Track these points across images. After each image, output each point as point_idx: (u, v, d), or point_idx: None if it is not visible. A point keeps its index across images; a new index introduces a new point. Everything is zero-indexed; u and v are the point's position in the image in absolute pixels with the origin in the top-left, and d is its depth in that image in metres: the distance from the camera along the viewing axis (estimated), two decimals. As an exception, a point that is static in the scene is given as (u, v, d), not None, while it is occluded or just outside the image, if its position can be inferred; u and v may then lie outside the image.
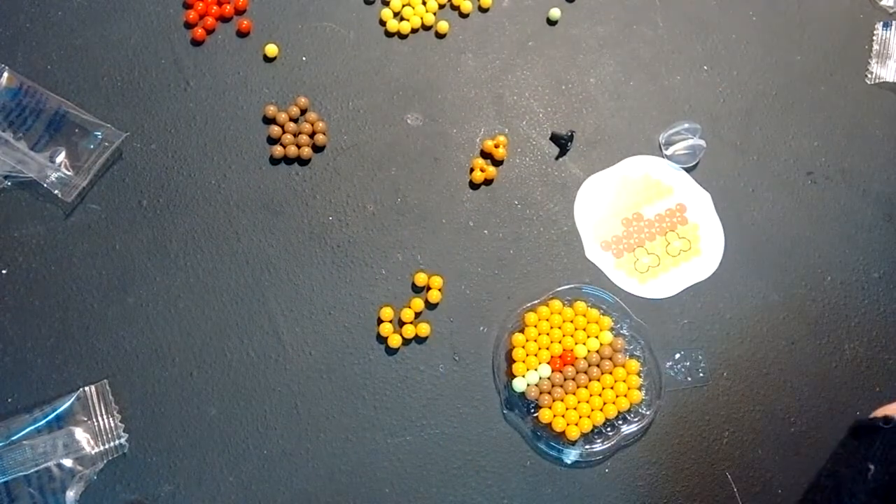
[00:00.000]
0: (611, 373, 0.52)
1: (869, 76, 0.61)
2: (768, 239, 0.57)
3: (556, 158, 0.58)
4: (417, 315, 0.53)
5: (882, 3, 0.63)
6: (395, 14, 0.60)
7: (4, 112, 0.53)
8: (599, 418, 0.51)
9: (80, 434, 0.48)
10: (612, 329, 0.53)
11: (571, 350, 0.52)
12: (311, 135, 0.56)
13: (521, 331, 0.53)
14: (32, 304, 0.51)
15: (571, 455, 0.50)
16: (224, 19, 0.59)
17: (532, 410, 0.51)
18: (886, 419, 0.50)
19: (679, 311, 0.55)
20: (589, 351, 0.52)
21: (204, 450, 0.49)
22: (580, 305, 0.53)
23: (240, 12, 0.59)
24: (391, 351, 0.52)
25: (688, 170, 0.58)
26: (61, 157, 0.53)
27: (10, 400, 0.49)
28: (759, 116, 0.60)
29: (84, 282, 0.52)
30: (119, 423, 0.49)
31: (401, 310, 0.53)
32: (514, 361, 0.52)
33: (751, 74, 0.61)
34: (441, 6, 0.61)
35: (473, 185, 0.56)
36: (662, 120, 0.59)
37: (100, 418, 0.49)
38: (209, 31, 0.58)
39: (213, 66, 0.58)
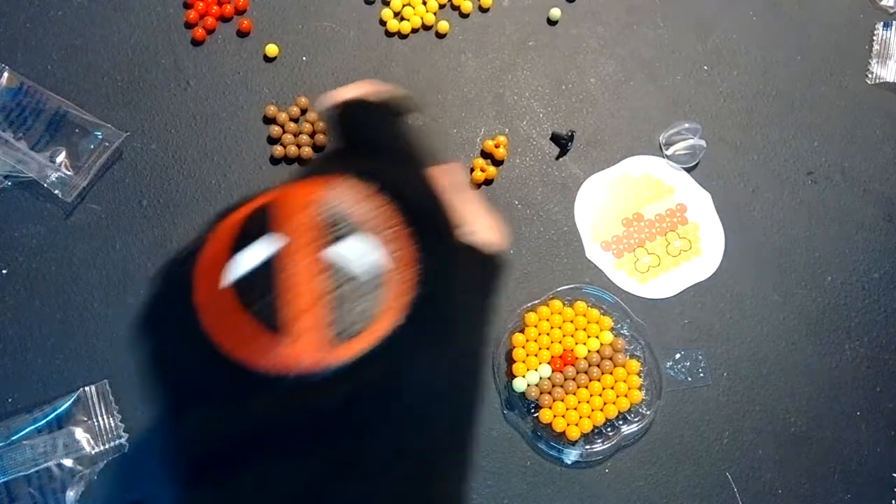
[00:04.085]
0: (611, 373, 0.52)
1: (869, 76, 0.61)
2: (768, 239, 0.57)
3: (557, 158, 0.57)
4: (417, 315, 0.53)
5: (882, 3, 0.63)
6: (396, 14, 0.60)
7: (4, 112, 0.53)
8: (600, 418, 0.51)
9: (80, 434, 0.48)
10: (612, 329, 0.53)
11: (572, 350, 0.52)
12: (311, 135, 0.56)
13: (522, 331, 0.53)
14: (32, 304, 0.51)
15: (571, 455, 0.50)
16: (224, 19, 0.59)
17: (532, 410, 0.51)
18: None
19: (679, 311, 0.55)
20: (589, 351, 0.52)
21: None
22: (580, 305, 0.53)
23: (240, 12, 0.59)
24: (391, 351, 0.52)
25: (688, 170, 0.58)
26: (61, 157, 0.53)
27: (10, 400, 0.49)
28: (759, 116, 0.60)
29: (84, 282, 0.52)
30: (119, 423, 0.49)
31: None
32: (515, 361, 0.52)
33: (751, 74, 0.61)
34: (441, 6, 0.61)
35: (474, 185, 0.56)
36: (662, 120, 0.59)
37: (100, 418, 0.49)
38: (209, 31, 0.58)
39: (213, 66, 0.58)
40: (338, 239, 0.28)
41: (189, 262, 0.29)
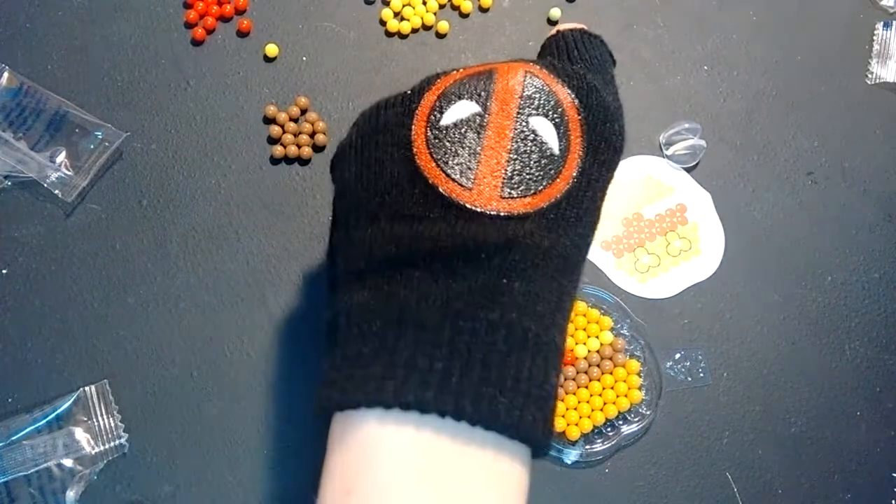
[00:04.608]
0: (611, 373, 0.52)
1: (869, 76, 0.61)
2: (768, 239, 0.57)
3: (557, 158, 0.57)
4: (417, 315, 0.53)
5: (882, 3, 0.63)
6: (396, 14, 0.60)
7: (4, 112, 0.53)
8: (600, 418, 0.51)
9: (80, 434, 0.48)
10: (612, 329, 0.53)
11: (571, 350, 0.52)
12: (312, 135, 0.56)
13: (522, 331, 0.53)
14: (32, 304, 0.51)
15: (571, 455, 0.50)
16: (224, 19, 0.59)
17: (532, 410, 0.51)
18: None
19: (679, 311, 0.55)
20: (589, 351, 0.52)
21: (204, 450, 0.49)
22: (580, 305, 0.53)
23: (240, 12, 0.59)
24: (391, 351, 0.52)
25: (688, 170, 0.58)
26: (61, 157, 0.53)
27: (10, 400, 0.49)
28: (759, 116, 0.60)
29: (84, 282, 0.52)
30: (119, 423, 0.49)
31: (401, 310, 0.53)
32: (515, 361, 0.52)
33: (751, 74, 0.61)
34: (441, 6, 0.61)
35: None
36: (662, 120, 0.59)
37: (100, 418, 0.49)
38: (209, 31, 0.58)
39: (213, 66, 0.58)
40: (534, 114, 0.34)
41: (415, 100, 0.36)
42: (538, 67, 0.36)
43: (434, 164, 0.33)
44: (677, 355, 0.53)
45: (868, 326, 0.55)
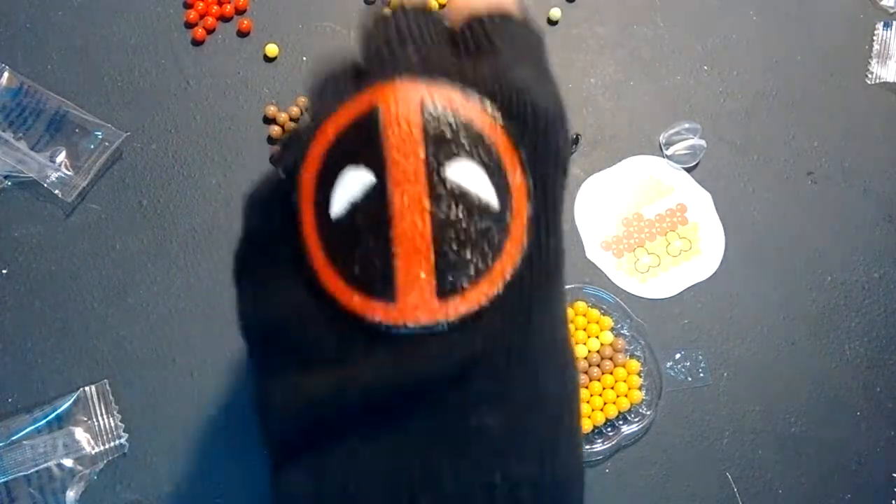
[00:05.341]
0: (611, 373, 0.52)
1: (869, 76, 0.61)
2: (768, 239, 0.57)
3: (557, 158, 0.57)
4: (417, 315, 0.53)
5: (882, 3, 0.63)
6: (396, 14, 0.60)
7: (4, 112, 0.53)
8: (600, 418, 0.51)
9: (80, 434, 0.48)
10: (612, 329, 0.53)
11: (571, 350, 0.52)
12: (312, 135, 0.56)
13: (522, 331, 0.53)
14: (32, 304, 0.51)
15: (571, 455, 0.50)
16: (224, 19, 0.59)
17: (532, 410, 0.51)
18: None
19: (679, 311, 0.55)
20: (589, 351, 0.52)
21: (204, 450, 0.49)
22: (580, 305, 0.53)
23: (240, 12, 0.59)
24: (391, 351, 0.52)
25: (688, 170, 0.58)
26: (61, 157, 0.53)
27: (10, 400, 0.49)
28: (759, 116, 0.60)
29: (84, 282, 0.52)
30: (119, 423, 0.49)
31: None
32: (515, 361, 0.52)
33: (751, 74, 0.61)
34: (441, 6, 0.61)
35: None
36: (662, 120, 0.59)
37: (100, 418, 0.49)
38: (209, 31, 0.58)
39: (213, 66, 0.58)
40: (450, 160, 0.23)
41: (293, 187, 0.25)
42: (432, 83, 0.24)
43: (339, 278, 0.23)
44: (677, 355, 0.53)
45: (868, 326, 0.55)
